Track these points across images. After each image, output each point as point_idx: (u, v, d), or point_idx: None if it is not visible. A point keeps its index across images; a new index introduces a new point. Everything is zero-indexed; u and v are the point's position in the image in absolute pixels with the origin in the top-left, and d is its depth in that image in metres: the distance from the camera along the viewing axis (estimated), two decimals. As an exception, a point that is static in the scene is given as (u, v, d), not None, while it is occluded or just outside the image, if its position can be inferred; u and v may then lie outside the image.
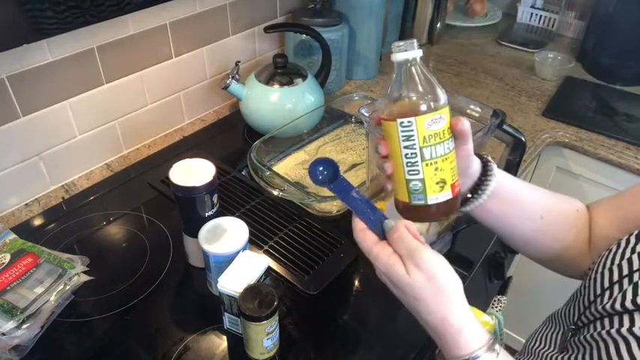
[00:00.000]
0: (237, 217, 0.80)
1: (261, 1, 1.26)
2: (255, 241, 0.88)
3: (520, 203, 0.65)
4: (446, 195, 0.55)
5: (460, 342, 0.50)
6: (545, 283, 1.37)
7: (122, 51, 1.00)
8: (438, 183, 0.54)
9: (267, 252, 0.86)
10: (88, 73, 0.97)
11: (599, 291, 0.56)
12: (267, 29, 1.14)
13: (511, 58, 1.59)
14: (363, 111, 0.76)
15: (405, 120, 0.52)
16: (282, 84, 1.12)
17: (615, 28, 1.42)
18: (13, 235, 0.83)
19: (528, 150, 1.18)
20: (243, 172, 1.05)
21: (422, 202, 0.55)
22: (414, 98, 0.53)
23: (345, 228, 0.93)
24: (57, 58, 0.90)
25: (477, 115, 0.79)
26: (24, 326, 0.69)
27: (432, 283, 0.50)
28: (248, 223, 0.76)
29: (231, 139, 1.20)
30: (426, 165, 0.54)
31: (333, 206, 0.95)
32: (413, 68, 0.53)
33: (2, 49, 0.75)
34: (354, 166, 1.08)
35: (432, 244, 0.84)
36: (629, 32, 1.39)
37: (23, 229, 0.90)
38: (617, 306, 0.51)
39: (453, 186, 0.55)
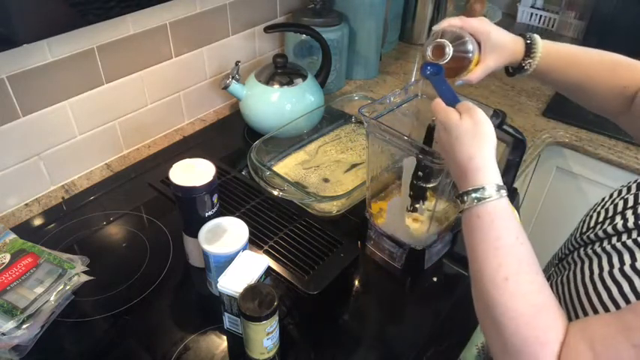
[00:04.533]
0: (237, 217, 0.80)
1: (261, 1, 1.26)
2: (255, 241, 0.88)
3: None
4: None
5: (476, 178, 0.57)
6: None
7: (122, 51, 1.00)
8: None
9: (267, 252, 0.86)
10: (88, 73, 0.97)
11: (592, 224, 0.63)
12: (267, 29, 1.14)
13: (511, 58, 1.59)
14: (363, 111, 0.75)
15: None
16: (282, 84, 1.12)
17: (615, 28, 1.42)
18: (13, 235, 0.83)
19: (528, 150, 1.18)
20: (243, 172, 1.05)
21: None
22: None
23: (345, 228, 0.93)
24: (57, 58, 0.90)
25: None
26: (24, 326, 0.69)
27: (475, 128, 0.59)
28: (248, 223, 0.77)
29: (231, 139, 1.20)
30: None
31: (333, 206, 0.95)
32: None
33: (2, 49, 0.75)
34: (354, 166, 1.08)
35: (433, 244, 0.84)
36: (629, 32, 1.39)
37: (23, 229, 0.90)
38: (601, 233, 0.59)
39: None
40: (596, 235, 0.59)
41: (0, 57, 0.82)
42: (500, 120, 0.73)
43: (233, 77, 1.12)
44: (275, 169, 1.04)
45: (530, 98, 1.38)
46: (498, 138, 0.77)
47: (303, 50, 1.30)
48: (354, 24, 1.33)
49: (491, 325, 0.53)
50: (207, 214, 0.76)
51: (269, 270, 0.74)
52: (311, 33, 1.16)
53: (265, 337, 0.65)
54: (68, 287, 0.76)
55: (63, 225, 0.93)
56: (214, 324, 0.75)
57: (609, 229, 0.57)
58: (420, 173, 0.75)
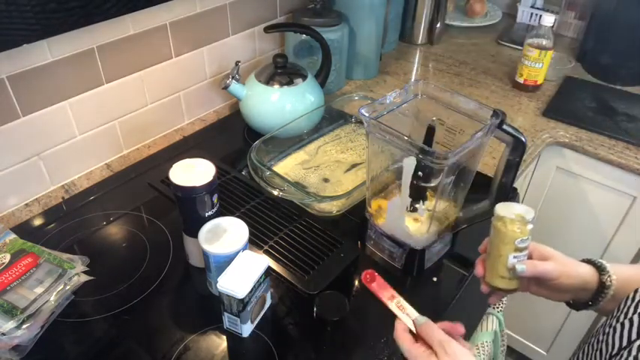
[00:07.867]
0: (237, 217, 0.80)
1: (261, 1, 1.26)
2: (255, 241, 0.88)
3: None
4: None
5: None
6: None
7: (122, 51, 1.00)
8: None
9: (267, 252, 0.86)
10: (88, 73, 0.97)
11: (625, 343, 0.54)
12: (267, 29, 1.14)
13: (511, 58, 1.59)
14: (363, 111, 0.75)
15: None
16: (282, 84, 1.12)
17: (615, 28, 1.42)
18: (13, 235, 0.83)
19: (528, 150, 1.18)
20: (243, 172, 1.05)
21: None
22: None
23: (345, 228, 0.93)
24: (57, 58, 0.90)
25: (477, 115, 0.79)
26: (24, 326, 0.69)
27: None
28: (248, 223, 0.76)
29: (231, 139, 1.20)
30: None
31: (333, 206, 0.95)
32: None
33: (2, 49, 0.75)
34: (354, 166, 1.08)
35: (433, 244, 0.84)
36: (629, 32, 1.39)
37: (23, 229, 0.90)
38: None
39: None
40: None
41: (0, 57, 0.82)
42: (500, 120, 0.73)
43: (233, 77, 1.12)
44: (275, 169, 1.04)
45: (530, 98, 1.38)
46: (498, 138, 0.77)
47: (303, 50, 1.30)
48: (354, 24, 1.33)
49: None
50: (207, 214, 0.76)
51: (269, 270, 0.74)
52: (311, 33, 1.16)
53: (513, 252, 0.61)
54: (68, 287, 0.76)
55: (63, 225, 0.93)
56: (214, 324, 0.75)
57: None
58: (420, 173, 0.75)
